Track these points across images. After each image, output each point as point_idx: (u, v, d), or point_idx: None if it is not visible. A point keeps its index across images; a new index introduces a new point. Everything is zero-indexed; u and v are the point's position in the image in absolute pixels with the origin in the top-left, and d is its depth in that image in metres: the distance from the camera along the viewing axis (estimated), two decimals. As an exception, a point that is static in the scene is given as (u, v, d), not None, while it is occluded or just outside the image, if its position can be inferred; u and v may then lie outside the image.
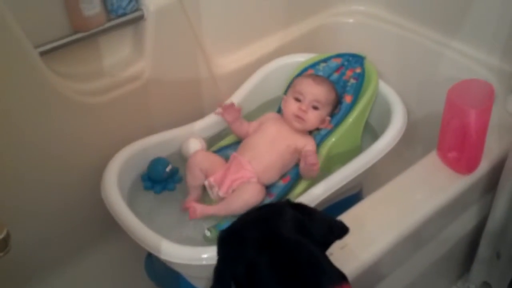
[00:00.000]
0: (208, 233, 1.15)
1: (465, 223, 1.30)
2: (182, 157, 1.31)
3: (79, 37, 1.17)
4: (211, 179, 1.24)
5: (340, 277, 0.77)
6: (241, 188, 1.19)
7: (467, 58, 1.49)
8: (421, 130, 1.53)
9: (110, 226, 1.14)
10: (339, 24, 1.74)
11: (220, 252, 0.83)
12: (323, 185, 1.18)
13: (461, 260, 1.40)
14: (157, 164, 1.27)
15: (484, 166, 1.21)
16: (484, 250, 1.29)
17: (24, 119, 1.12)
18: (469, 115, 1.13)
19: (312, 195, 1.16)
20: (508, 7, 1.38)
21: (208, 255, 1.03)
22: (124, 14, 1.23)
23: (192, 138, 1.32)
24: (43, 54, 1.11)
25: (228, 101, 1.38)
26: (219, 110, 1.34)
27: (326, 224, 0.86)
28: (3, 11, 0.99)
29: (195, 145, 1.30)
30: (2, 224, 0.78)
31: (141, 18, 1.25)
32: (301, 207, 0.89)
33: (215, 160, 1.28)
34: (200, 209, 1.18)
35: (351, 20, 1.74)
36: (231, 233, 0.84)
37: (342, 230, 0.87)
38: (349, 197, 1.37)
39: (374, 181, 1.31)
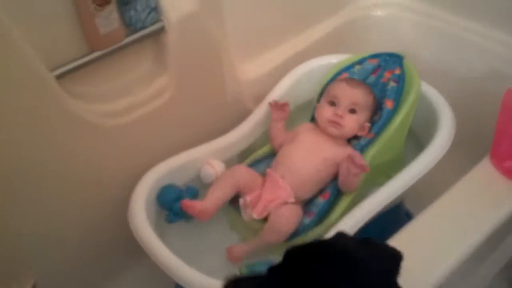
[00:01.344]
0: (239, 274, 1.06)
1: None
2: (201, 182, 1.22)
3: (96, 56, 1.08)
4: (248, 198, 1.14)
5: None
6: (275, 215, 1.10)
7: (508, 48, 1.37)
8: (465, 132, 1.42)
9: (137, 249, 1.07)
10: (368, 18, 1.63)
11: None
12: (369, 203, 1.09)
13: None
14: (167, 192, 1.17)
15: (544, 173, 1.10)
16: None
17: (42, 147, 1.04)
18: (529, 121, 1.03)
19: (358, 215, 1.07)
20: None
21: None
22: (144, 28, 1.13)
23: (210, 161, 1.22)
24: (59, 77, 1.03)
25: (258, 109, 1.32)
26: (272, 102, 1.28)
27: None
28: (14, 36, 0.90)
29: (210, 173, 1.21)
30: (29, 275, 0.72)
31: (161, 30, 1.16)
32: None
33: (254, 177, 1.18)
34: (238, 251, 1.10)
35: (381, 13, 1.62)
36: None
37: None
38: (391, 209, 1.28)
39: (415, 186, 1.21)
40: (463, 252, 0.99)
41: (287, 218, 1.09)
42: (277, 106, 1.27)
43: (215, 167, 1.20)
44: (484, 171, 1.13)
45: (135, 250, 1.08)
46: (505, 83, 1.30)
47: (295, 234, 1.11)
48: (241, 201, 1.15)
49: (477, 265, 1.10)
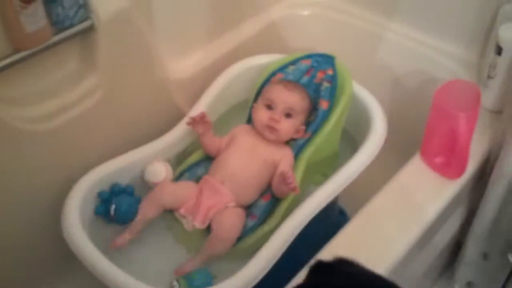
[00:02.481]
0: (176, 286, 1.02)
1: (451, 226, 1.26)
2: (146, 184, 1.17)
3: (21, 56, 1.00)
4: (182, 210, 1.11)
5: None
6: (218, 223, 1.08)
7: (433, 50, 1.43)
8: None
9: (72, 260, 1.01)
10: (294, 17, 1.63)
11: None
12: (310, 204, 1.09)
13: (445, 261, 1.37)
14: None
15: (471, 167, 1.17)
16: (471, 251, 1.26)
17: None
18: (459, 120, 1.08)
19: (301, 217, 1.07)
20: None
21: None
22: (72, 25, 1.07)
23: (155, 162, 1.17)
24: (-21, 80, 0.95)
25: (192, 111, 1.26)
26: (189, 120, 1.21)
27: None
28: None
29: (160, 171, 1.16)
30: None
31: (91, 28, 1.09)
32: None
33: (184, 189, 1.14)
34: (186, 270, 1.05)
35: (306, 13, 1.64)
36: None
37: None
38: (325, 207, 1.30)
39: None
40: (402, 249, 1.03)
41: (230, 224, 1.07)
42: (197, 121, 1.19)
43: (167, 167, 1.17)
44: (416, 167, 1.18)
45: (70, 258, 1.01)
46: (430, 83, 1.38)
47: (239, 237, 1.09)
48: (176, 214, 1.13)
49: (409, 263, 1.13)
